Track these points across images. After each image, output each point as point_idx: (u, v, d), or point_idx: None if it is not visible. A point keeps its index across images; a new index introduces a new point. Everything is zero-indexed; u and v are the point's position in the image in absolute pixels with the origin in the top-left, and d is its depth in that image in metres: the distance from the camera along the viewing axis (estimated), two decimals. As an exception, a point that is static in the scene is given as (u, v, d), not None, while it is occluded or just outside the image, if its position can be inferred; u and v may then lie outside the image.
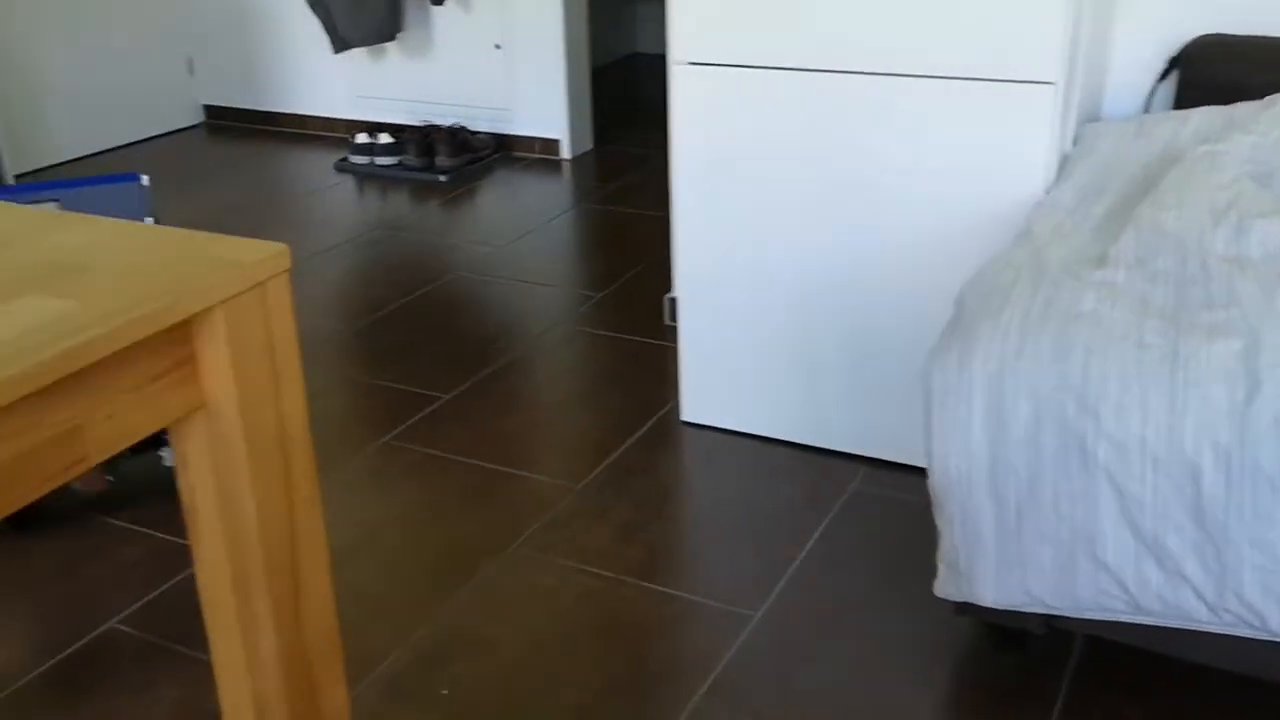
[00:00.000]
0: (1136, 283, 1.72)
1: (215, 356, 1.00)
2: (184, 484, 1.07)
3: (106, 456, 0.94)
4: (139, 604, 2.11)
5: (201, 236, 1.06)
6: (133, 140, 5.06)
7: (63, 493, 2.28)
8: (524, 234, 3.90)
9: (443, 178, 4.46)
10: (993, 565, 1.72)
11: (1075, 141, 2.23)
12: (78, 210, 2.02)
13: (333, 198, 4.35)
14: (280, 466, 1.06)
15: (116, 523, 2.34)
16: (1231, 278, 1.68)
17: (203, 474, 1.05)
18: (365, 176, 4.56)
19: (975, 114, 2.13)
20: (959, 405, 1.68)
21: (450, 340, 3.12)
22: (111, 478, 2.24)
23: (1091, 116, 2.40)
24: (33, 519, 2.25)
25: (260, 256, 1.02)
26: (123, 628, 2.05)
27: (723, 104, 2.34)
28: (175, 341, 0.98)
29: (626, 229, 3.91)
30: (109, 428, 0.94)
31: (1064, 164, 2.17)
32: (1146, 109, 2.47)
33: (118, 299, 0.93)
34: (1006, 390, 1.64)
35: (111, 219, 1.12)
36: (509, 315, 3.27)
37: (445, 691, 1.89)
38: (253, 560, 1.07)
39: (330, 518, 2.35)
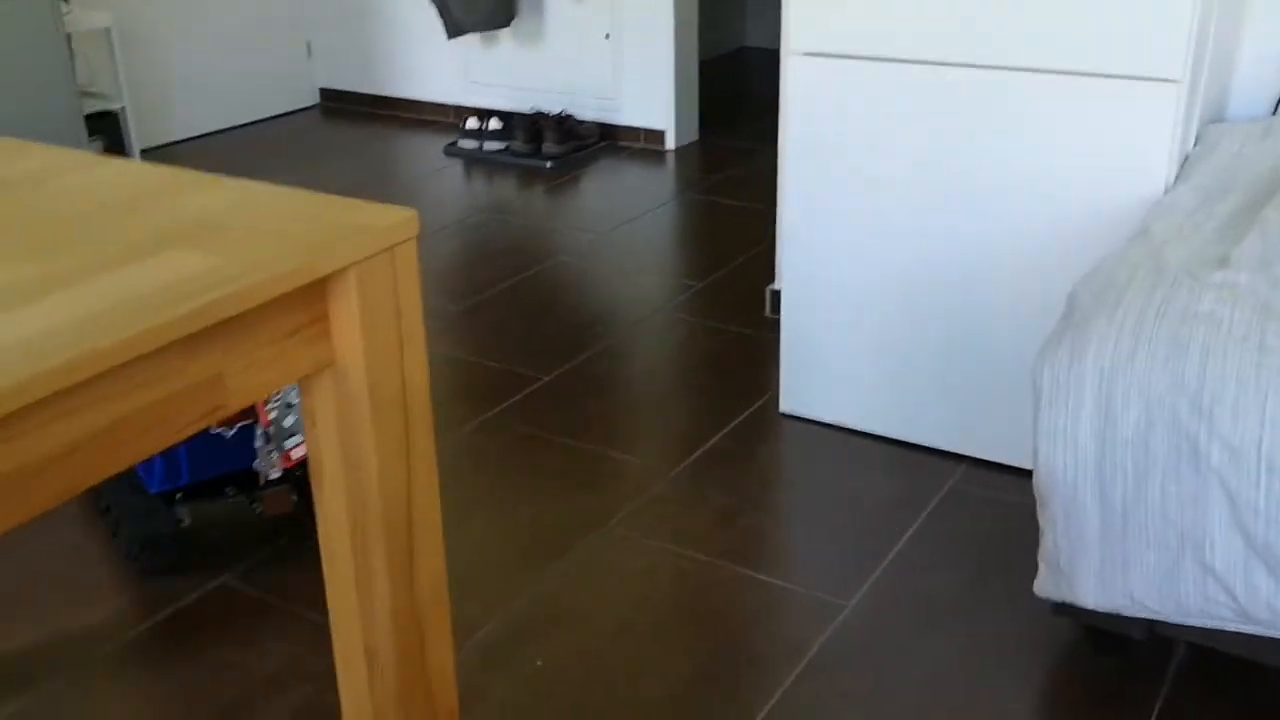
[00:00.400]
0: (1260, 285, 1.68)
1: (346, 316, 1.04)
2: (310, 440, 1.11)
3: (243, 405, 0.98)
4: (249, 561, 2.18)
5: (337, 201, 1.10)
6: (252, 120, 5.22)
7: (249, 514, 2.28)
8: (626, 222, 3.93)
9: (548, 164, 4.51)
10: (1095, 566, 1.69)
11: (1197, 141, 2.18)
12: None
13: (441, 181, 4.43)
14: (401, 426, 1.10)
15: (229, 484, 2.43)
16: (1360, 283, 1.63)
17: (328, 431, 1.10)
18: (473, 161, 4.64)
19: (1095, 111, 2.09)
20: (1068, 402, 1.66)
21: (551, 323, 3.16)
22: (296, 498, 2.20)
23: (1216, 117, 2.35)
24: (261, 500, 2.26)
25: (391, 222, 1.05)
26: (234, 584, 2.13)
27: (835, 95, 2.34)
28: (310, 300, 1.02)
29: (728, 220, 3.91)
30: (247, 378, 0.98)
31: (1185, 164, 2.12)
32: (1276, 111, 2.40)
33: (259, 256, 0.97)
34: (1118, 388, 1.62)
35: (249, 180, 1.17)
36: (609, 301, 3.31)
37: (539, 663, 1.92)
38: (372, 516, 1.11)
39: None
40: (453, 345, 3.05)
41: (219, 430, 2.15)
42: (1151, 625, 1.75)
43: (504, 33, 4.91)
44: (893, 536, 2.22)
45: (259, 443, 2.16)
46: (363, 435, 1.08)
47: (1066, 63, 2.09)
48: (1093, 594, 1.71)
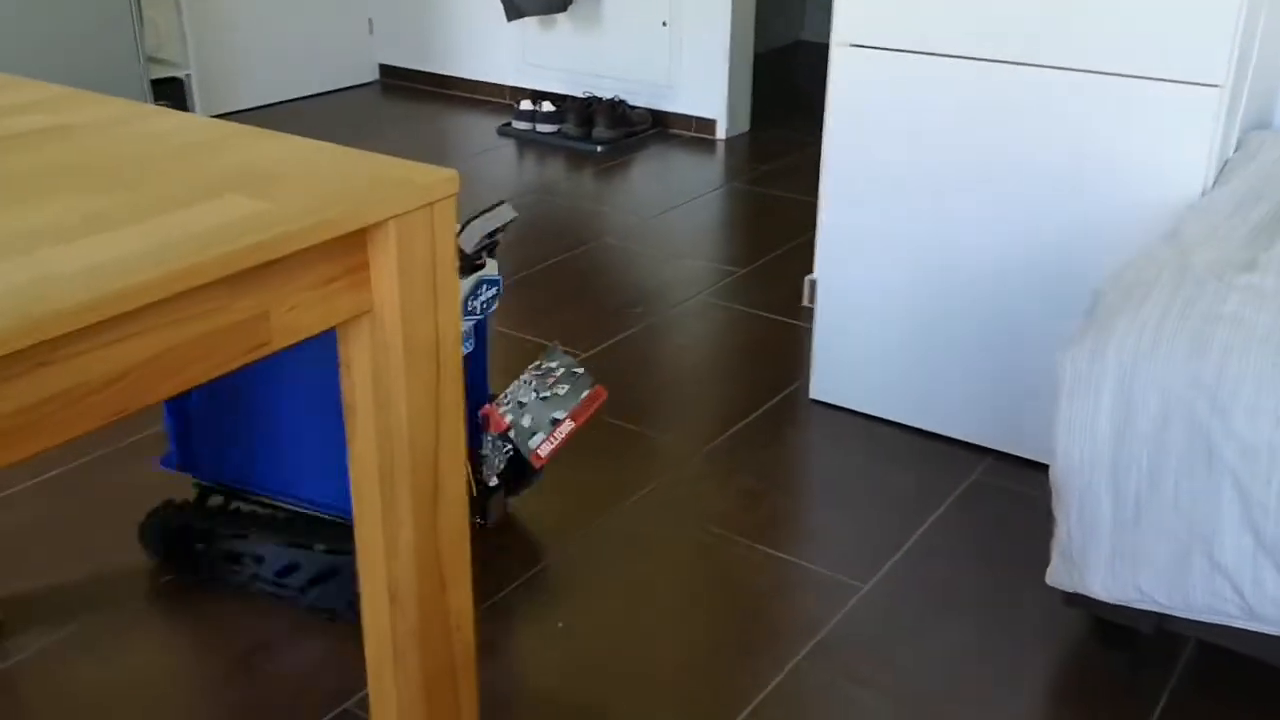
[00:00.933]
0: (1284, 289, 1.70)
1: (385, 266, 1.10)
2: (345, 383, 1.18)
3: (285, 345, 1.05)
4: (286, 514, 2.27)
5: (383, 159, 1.16)
6: (312, 93, 5.32)
7: (485, 528, 2.21)
8: (672, 208, 3.98)
9: (599, 148, 4.57)
10: (1106, 557, 1.72)
11: (1238, 147, 2.19)
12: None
13: (493, 160, 4.51)
14: (432, 374, 1.16)
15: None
16: (1384, 291, 1.64)
17: (364, 374, 1.16)
18: (526, 142, 4.71)
19: (1136, 112, 2.11)
20: (1088, 395, 1.69)
21: (592, 302, 3.22)
22: (510, 501, 2.22)
23: (1261, 124, 2.35)
24: (484, 512, 2.20)
25: (432, 180, 1.11)
26: (270, 534, 2.21)
27: (878, 87, 2.37)
28: (352, 249, 1.08)
29: (774, 210, 3.95)
30: (290, 319, 1.04)
31: (1224, 169, 2.13)
32: (1319, 122, 2.40)
33: (306, 204, 1.04)
34: (1137, 384, 1.65)
35: (301, 137, 1.23)
36: (651, 283, 3.36)
37: (561, 625, 1.98)
38: (400, 456, 1.18)
39: (466, 455, 2.48)
40: (495, 318, 3.12)
41: None
42: (1160, 620, 1.78)
43: (561, 17, 4.97)
44: (913, 524, 2.26)
45: (486, 449, 2.09)
46: (395, 380, 1.14)
47: (1109, 64, 2.11)
48: (1102, 584, 1.74)
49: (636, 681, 1.86)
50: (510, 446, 2.11)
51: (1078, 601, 1.83)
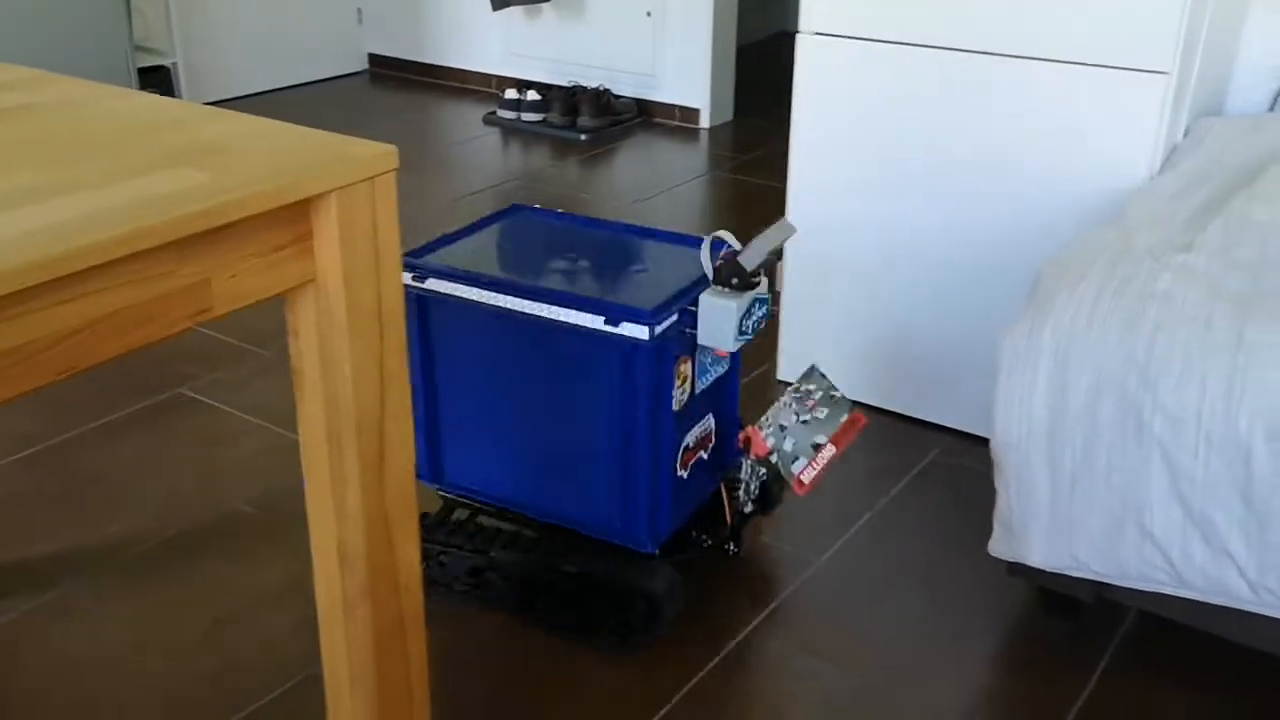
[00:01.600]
0: (1215, 268, 1.76)
1: (327, 236, 1.15)
2: (294, 349, 1.24)
3: (228, 310, 1.11)
4: (260, 490, 2.32)
5: (329, 136, 1.22)
6: (301, 82, 5.37)
7: (738, 556, 2.11)
8: (654, 195, 4.04)
9: (583, 137, 4.62)
10: (1044, 528, 1.78)
11: (1186, 134, 2.25)
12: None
13: (479, 148, 4.56)
14: (376, 338, 1.22)
15: (249, 418, 2.57)
16: (1310, 270, 1.70)
17: (310, 341, 1.22)
18: (511, 131, 4.76)
19: (1084, 99, 2.17)
20: (1026, 372, 1.75)
21: (569, 287, 3.28)
22: (737, 549, 2.11)
23: (1212, 111, 2.41)
24: (738, 538, 2.13)
25: (373, 154, 1.17)
26: (245, 508, 2.27)
27: (840, 75, 2.43)
28: (295, 219, 1.14)
29: (754, 198, 4.00)
30: (233, 285, 1.10)
31: (1172, 155, 2.19)
32: (1271, 109, 2.46)
33: (250, 175, 1.10)
34: (1072, 360, 1.70)
35: (263, 117, 1.29)
36: (628, 269, 3.42)
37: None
38: (346, 420, 1.24)
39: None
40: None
41: (680, 472, 1.94)
42: (1099, 590, 1.84)
43: (546, 6, 5.02)
44: (871, 500, 2.32)
45: (744, 474, 2.03)
46: (339, 347, 1.20)
47: (1057, 51, 2.17)
48: (1040, 554, 1.80)
49: (590, 651, 1.92)
50: (765, 471, 2.05)
51: (1020, 571, 1.90)
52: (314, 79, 5.43)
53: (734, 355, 2.01)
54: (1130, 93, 2.12)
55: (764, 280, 1.86)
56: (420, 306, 1.94)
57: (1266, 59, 2.46)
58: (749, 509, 2.08)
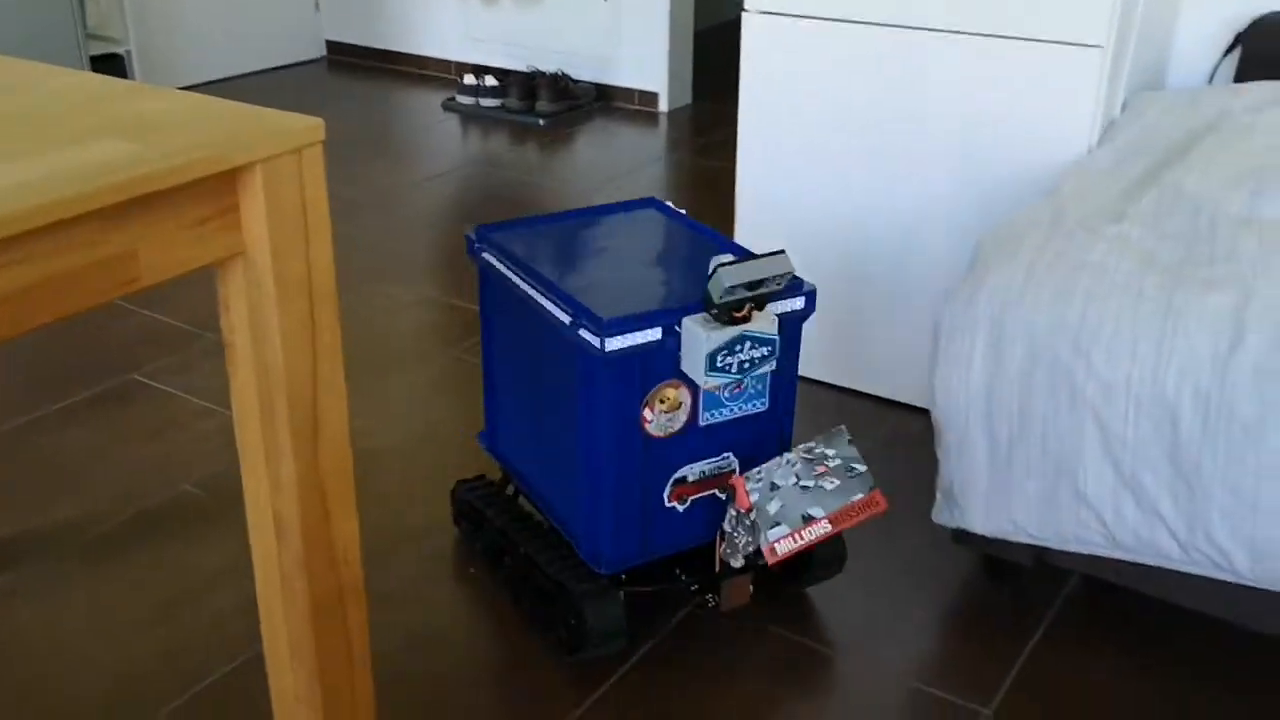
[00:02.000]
0: (1147, 239, 1.79)
1: (254, 208, 1.16)
2: (224, 322, 1.24)
3: (155, 282, 1.11)
4: (209, 472, 2.33)
5: (259, 110, 1.22)
6: (257, 70, 5.34)
7: (717, 610, 1.92)
8: (613, 178, 4.05)
9: (542, 122, 4.63)
10: (983, 494, 1.82)
11: (1124, 108, 2.28)
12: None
13: (438, 133, 4.55)
14: (306, 310, 1.23)
15: (198, 401, 2.57)
16: (1237, 237, 1.74)
17: (240, 313, 1.23)
18: (470, 116, 4.76)
19: (1020, 74, 2.19)
20: (963, 342, 1.78)
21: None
22: (753, 588, 1.91)
23: (1151, 86, 2.44)
24: (804, 571, 1.98)
25: (299, 127, 1.18)
26: (195, 491, 2.28)
27: (784, 53, 2.45)
28: (221, 191, 1.15)
29: (712, 180, 4.02)
30: (160, 256, 1.11)
31: (1109, 129, 2.22)
32: (1210, 82, 2.50)
33: (175, 147, 1.10)
34: (1006, 329, 1.73)
35: (192, 94, 1.29)
36: (584, 251, 3.43)
37: (472, 570, 2.06)
38: (277, 392, 1.24)
39: (397, 415, 2.55)
40: (431, 286, 3.18)
41: (671, 504, 1.81)
42: (1040, 554, 1.87)
43: (505, -8, 5.02)
44: (820, 473, 2.34)
45: (728, 525, 1.80)
46: (269, 319, 1.21)
47: (994, 26, 2.19)
48: (980, 520, 1.83)
49: (515, 617, 1.93)
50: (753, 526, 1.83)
51: (964, 538, 1.93)
52: (271, 66, 5.40)
53: (775, 400, 1.81)
54: (1066, 67, 2.15)
55: (765, 317, 1.68)
56: (484, 278, 1.97)
57: (1205, 32, 2.50)
58: (738, 564, 1.83)
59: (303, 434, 1.27)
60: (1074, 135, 2.18)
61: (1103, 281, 1.71)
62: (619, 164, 4.20)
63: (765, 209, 2.59)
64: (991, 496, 1.81)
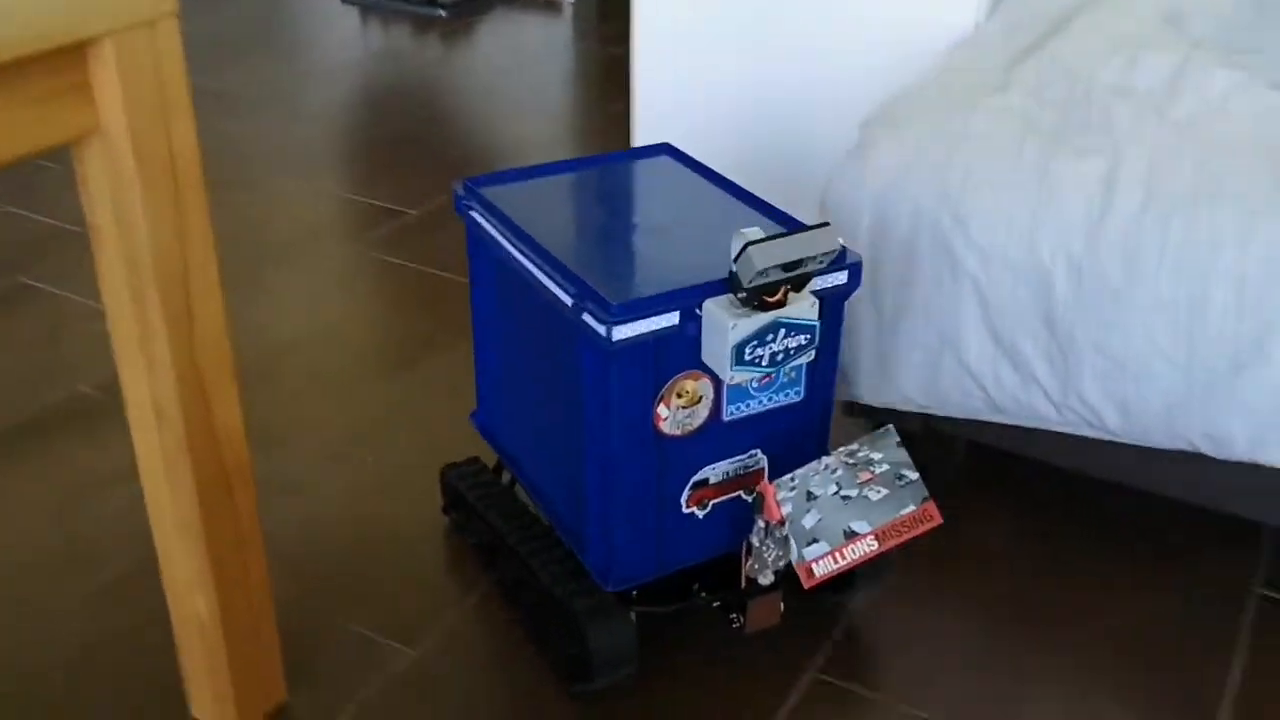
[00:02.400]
0: (1029, 108, 1.82)
1: (107, 84, 1.13)
2: (85, 203, 1.22)
3: (6, 159, 1.08)
4: (105, 374, 2.29)
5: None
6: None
7: (741, 632, 1.67)
8: (515, 69, 3.98)
9: (442, 13, 4.51)
10: (870, 365, 1.86)
11: (1013, -17, 2.29)
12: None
13: (337, 27, 4.42)
14: (170, 191, 1.21)
15: (88, 302, 2.52)
16: (1110, 105, 1.77)
17: (102, 195, 1.20)
18: (369, 9, 4.62)
19: (912, -52, 2.19)
20: (850, 218, 1.80)
21: (429, 162, 3.24)
22: (783, 606, 1.68)
23: (1042, -38, 2.45)
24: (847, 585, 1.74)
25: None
26: (90, 391, 2.25)
27: (680, -69, 2.41)
28: (70, 66, 1.11)
29: (616, 69, 3.97)
30: (8, 134, 1.08)
31: (998, 6, 2.23)
32: (1099, -42, 2.51)
33: (19, 18, 1.06)
34: (890, 203, 1.76)
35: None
36: (484, 142, 3.39)
37: (371, 459, 2.07)
38: (146, 277, 1.23)
39: (297, 312, 2.52)
40: (330, 181, 3.13)
41: (690, 510, 1.57)
42: (927, 421, 1.93)
43: (402, -124, 4.84)
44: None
45: (755, 539, 1.57)
46: (132, 199, 1.19)
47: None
48: (869, 391, 1.88)
49: (427, 508, 1.96)
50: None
51: (855, 411, 1.98)
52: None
53: (811, 389, 1.57)
54: (955, -60, 2.15)
55: (803, 301, 1.42)
56: (472, 238, 1.69)
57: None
58: (766, 580, 1.59)
59: (177, 320, 1.26)
60: (963, 11, 2.19)
61: (983, 150, 1.73)
62: (524, 54, 4.12)
63: (663, 99, 2.58)
64: (879, 368, 1.85)
